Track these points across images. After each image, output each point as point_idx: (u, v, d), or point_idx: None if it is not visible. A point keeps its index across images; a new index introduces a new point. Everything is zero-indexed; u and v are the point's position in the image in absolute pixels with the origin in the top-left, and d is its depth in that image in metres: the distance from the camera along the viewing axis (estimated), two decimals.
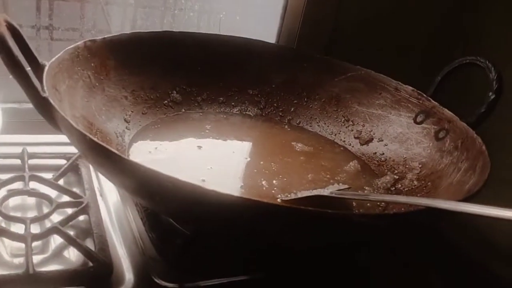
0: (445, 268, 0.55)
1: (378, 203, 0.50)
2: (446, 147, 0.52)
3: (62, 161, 0.54)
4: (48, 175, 0.51)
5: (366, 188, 0.53)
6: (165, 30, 0.60)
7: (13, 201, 0.49)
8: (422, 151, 0.54)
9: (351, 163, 0.56)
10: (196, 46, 0.61)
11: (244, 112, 0.64)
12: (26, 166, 0.51)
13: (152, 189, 0.35)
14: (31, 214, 0.47)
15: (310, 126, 0.63)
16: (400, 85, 0.59)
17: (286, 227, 0.36)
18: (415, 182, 0.52)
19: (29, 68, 0.42)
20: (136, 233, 0.47)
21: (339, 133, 0.62)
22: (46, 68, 0.42)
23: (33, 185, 0.50)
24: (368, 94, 0.61)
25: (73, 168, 0.54)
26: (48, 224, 0.46)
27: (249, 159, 0.54)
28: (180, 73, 0.60)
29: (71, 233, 0.45)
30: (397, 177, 0.54)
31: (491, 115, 0.51)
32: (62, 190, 0.50)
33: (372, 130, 0.59)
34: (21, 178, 0.50)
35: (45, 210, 0.48)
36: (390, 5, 0.72)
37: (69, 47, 0.48)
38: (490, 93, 0.51)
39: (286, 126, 0.63)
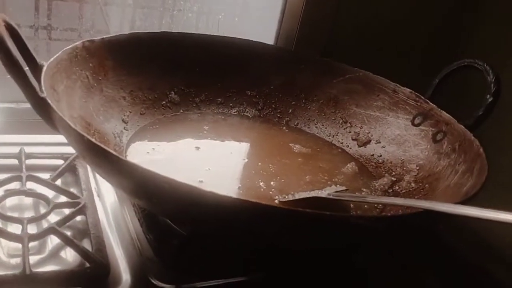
0: (442, 270, 0.55)
1: (376, 205, 0.50)
2: (443, 150, 0.52)
3: (60, 161, 0.54)
4: (46, 175, 0.51)
5: (364, 190, 0.53)
6: (164, 31, 0.60)
7: (10, 201, 0.49)
8: (419, 153, 0.54)
9: (348, 165, 0.56)
10: (194, 47, 0.61)
11: (242, 113, 0.64)
12: (24, 166, 0.51)
13: (150, 190, 0.35)
14: (28, 214, 0.47)
15: (308, 127, 0.63)
16: (398, 87, 0.59)
17: (283, 228, 0.36)
18: (413, 184, 0.52)
19: (27, 68, 0.42)
20: (133, 234, 0.47)
21: (337, 135, 0.62)
22: (44, 68, 0.42)
23: (30, 185, 0.50)
24: (366, 96, 0.61)
25: (71, 169, 0.54)
26: (45, 224, 0.45)
27: (247, 160, 0.54)
28: (178, 73, 0.60)
29: (68, 233, 0.44)
30: (395, 179, 0.54)
31: (489, 117, 0.52)
32: (59, 190, 0.50)
33: (370, 132, 0.60)
34: (18, 178, 0.50)
35: (42, 210, 0.48)
36: (390, 5, 0.72)
37: (67, 47, 0.48)
38: (488, 96, 0.51)
39: (284, 128, 0.63)
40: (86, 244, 0.44)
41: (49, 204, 0.47)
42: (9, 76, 0.40)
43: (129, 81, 0.55)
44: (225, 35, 0.63)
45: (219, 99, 0.63)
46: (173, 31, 0.60)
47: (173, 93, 0.60)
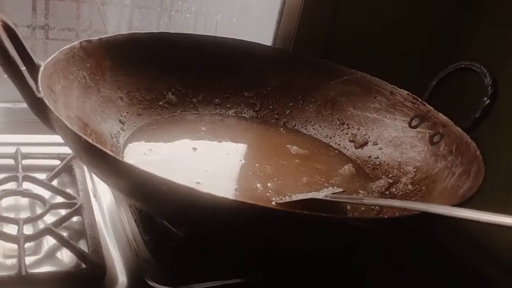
0: (439, 272, 0.55)
1: (372, 207, 0.50)
2: (440, 152, 0.52)
3: (56, 162, 0.54)
4: (42, 176, 0.51)
5: (361, 191, 0.53)
6: (162, 31, 0.60)
7: (6, 201, 0.48)
8: (416, 155, 0.54)
9: (345, 167, 0.56)
10: (192, 48, 0.61)
11: (239, 114, 0.63)
12: (20, 166, 0.51)
13: (147, 191, 0.35)
14: (24, 214, 0.47)
15: (305, 129, 0.63)
16: (396, 89, 0.59)
17: (280, 230, 0.36)
18: (410, 186, 0.52)
19: (24, 68, 0.41)
20: (129, 235, 0.47)
21: (334, 136, 0.62)
22: (41, 68, 0.42)
23: (27, 185, 0.50)
24: (364, 98, 0.61)
25: (67, 169, 0.54)
26: (41, 225, 0.45)
27: (244, 161, 0.54)
28: (176, 74, 0.60)
29: (64, 234, 0.44)
30: (392, 181, 0.54)
31: (486, 120, 0.52)
32: (56, 191, 0.50)
33: (367, 134, 0.60)
34: (14, 179, 0.49)
35: (38, 211, 0.48)
36: (389, 5, 0.72)
37: (64, 47, 0.47)
38: (485, 98, 0.51)
39: (281, 129, 0.63)
40: (82, 245, 0.44)
41: (45, 204, 0.47)
42: (6, 76, 0.40)
43: (126, 82, 0.55)
44: (223, 36, 0.63)
45: (217, 100, 0.63)
46: (171, 31, 0.60)
47: (170, 93, 0.60)
